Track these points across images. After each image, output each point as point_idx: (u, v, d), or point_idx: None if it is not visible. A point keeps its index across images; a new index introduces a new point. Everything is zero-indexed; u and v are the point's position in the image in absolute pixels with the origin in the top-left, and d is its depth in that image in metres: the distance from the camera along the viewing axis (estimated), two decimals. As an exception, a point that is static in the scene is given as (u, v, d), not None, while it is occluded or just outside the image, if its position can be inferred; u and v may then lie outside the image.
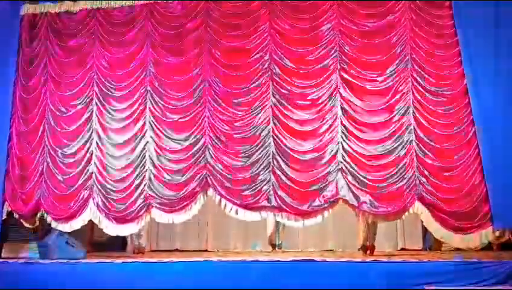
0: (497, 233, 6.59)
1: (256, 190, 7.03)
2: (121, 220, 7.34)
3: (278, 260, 6.16)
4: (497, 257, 5.95)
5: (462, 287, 5.42)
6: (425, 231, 8.51)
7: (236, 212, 7.11)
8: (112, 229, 7.41)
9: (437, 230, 6.67)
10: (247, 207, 7.06)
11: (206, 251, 9.11)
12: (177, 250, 9.23)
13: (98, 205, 7.40)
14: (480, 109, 6.53)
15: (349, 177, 6.80)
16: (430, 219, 6.60)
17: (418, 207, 6.63)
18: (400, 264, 5.77)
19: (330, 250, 8.74)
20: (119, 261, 6.39)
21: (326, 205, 6.85)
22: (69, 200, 7.49)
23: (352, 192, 6.75)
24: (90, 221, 7.50)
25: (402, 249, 8.55)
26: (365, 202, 6.68)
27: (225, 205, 7.12)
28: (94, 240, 8.73)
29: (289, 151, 7.00)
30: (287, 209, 6.91)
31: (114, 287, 5.95)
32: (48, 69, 7.86)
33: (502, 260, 5.62)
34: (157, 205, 7.27)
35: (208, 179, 7.16)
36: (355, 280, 5.63)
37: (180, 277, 5.99)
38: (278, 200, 6.94)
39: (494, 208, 6.33)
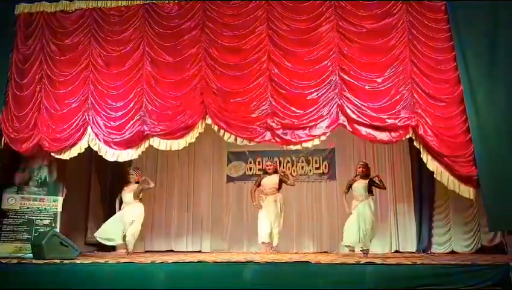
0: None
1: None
2: (121, 145, 7.37)
3: (273, 262, 6.13)
4: (491, 260, 5.96)
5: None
6: (419, 233, 8.54)
7: (235, 140, 7.23)
8: (111, 154, 7.44)
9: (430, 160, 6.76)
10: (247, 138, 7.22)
11: (200, 252, 9.10)
12: (171, 251, 9.21)
13: (96, 133, 7.44)
14: (476, 112, 6.56)
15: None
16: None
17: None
18: (394, 266, 5.75)
19: (325, 252, 8.75)
20: (112, 261, 6.35)
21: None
22: (67, 129, 7.54)
23: None
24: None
25: (396, 251, 8.56)
26: None
27: (224, 133, 7.21)
28: (88, 241, 8.70)
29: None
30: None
31: (107, 287, 5.91)
32: (43, 67, 7.79)
33: (496, 263, 5.63)
34: (156, 133, 7.30)
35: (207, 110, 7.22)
36: (350, 282, 5.62)
37: (175, 278, 5.95)
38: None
39: (488, 211, 6.37)
